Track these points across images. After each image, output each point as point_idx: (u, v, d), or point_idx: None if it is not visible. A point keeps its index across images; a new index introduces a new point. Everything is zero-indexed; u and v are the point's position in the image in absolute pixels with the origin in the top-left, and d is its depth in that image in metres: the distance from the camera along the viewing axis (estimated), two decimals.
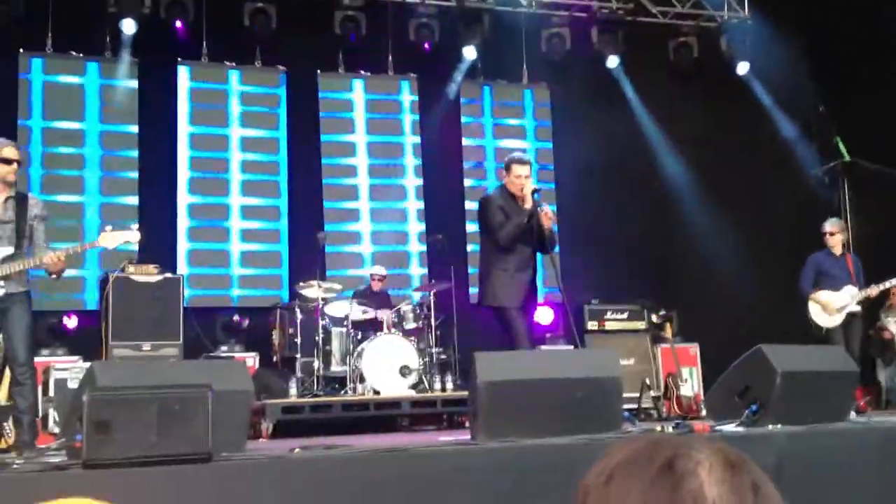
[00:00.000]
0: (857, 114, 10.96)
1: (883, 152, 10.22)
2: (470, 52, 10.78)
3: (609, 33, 11.11)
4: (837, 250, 8.41)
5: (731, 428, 5.02)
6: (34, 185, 9.33)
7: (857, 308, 8.26)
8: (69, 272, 9.07)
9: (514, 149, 11.26)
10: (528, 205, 6.24)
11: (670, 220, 11.28)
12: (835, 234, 8.43)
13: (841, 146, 9.48)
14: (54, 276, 5.80)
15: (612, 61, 11.16)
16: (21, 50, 9.72)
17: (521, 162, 6.35)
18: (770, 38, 10.93)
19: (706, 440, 1.28)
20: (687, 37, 11.38)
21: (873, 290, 8.28)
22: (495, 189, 6.61)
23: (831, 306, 8.15)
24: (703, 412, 8.31)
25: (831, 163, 10.10)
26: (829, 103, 11.21)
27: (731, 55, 11.36)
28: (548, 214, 6.32)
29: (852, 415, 5.88)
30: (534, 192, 6.24)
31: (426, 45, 10.73)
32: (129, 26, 9.57)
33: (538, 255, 6.60)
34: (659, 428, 5.69)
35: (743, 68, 11.36)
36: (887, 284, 8.29)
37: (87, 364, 7.57)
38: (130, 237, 5.93)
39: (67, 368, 7.82)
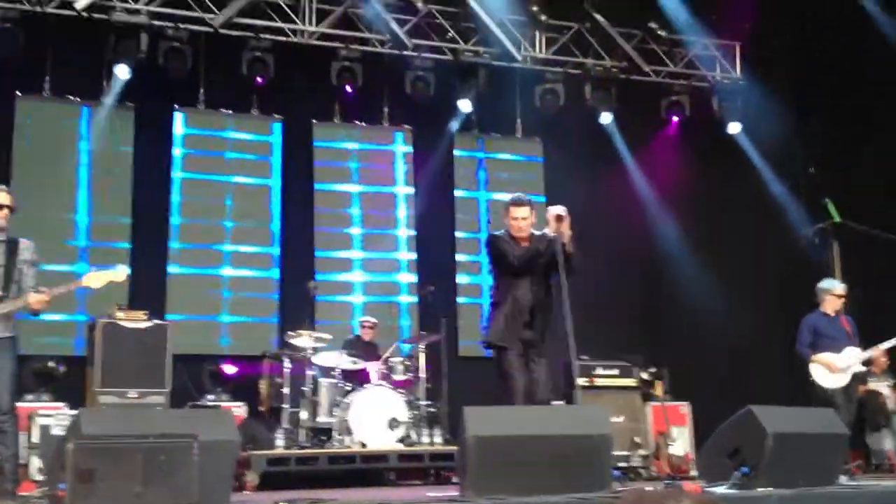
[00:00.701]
0: (846, 175, 11.08)
1: (872, 213, 10.31)
2: (465, 105, 10.88)
3: (603, 90, 11.24)
4: (832, 311, 8.31)
5: (722, 490, 4.98)
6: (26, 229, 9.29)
7: (862, 368, 8.19)
8: (57, 317, 9.11)
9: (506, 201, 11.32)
10: (552, 230, 5.98)
11: (661, 276, 11.31)
12: (842, 296, 8.34)
13: (830, 207, 9.55)
14: (33, 313, 5.77)
15: (606, 118, 11.27)
16: (18, 93, 9.75)
17: (518, 203, 6.20)
18: (761, 99, 11.08)
19: (689, 494, 1.27)
20: (679, 95, 11.52)
21: (877, 350, 8.25)
22: (502, 231, 6.42)
23: (835, 366, 8.05)
24: (694, 472, 8.24)
25: (821, 223, 10.17)
26: (819, 164, 11.35)
27: (723, 115, 11.50)
28: (563, 224, 5.99)
29: (842, 478, 5.85)
30: (558, 216, 5.97)
31: (422, 98, 10.83)
32: (122, 71, 9.63)
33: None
34: (650, 487, 5.64)
35: (734, 128, 11.49)
36: (893, 342, 8.21)
37: (72, 411, 7.52)
38: (116, 277, 5.89)
39: (52, 415, 7.72)
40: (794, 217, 11.43)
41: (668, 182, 11.47)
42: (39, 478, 7.06)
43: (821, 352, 8.11)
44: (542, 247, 6.08)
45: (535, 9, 10.74)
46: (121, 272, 5.92)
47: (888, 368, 10.06)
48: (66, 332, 9.38)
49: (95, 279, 5.80)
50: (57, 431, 7.32)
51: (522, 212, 6.17)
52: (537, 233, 6.16)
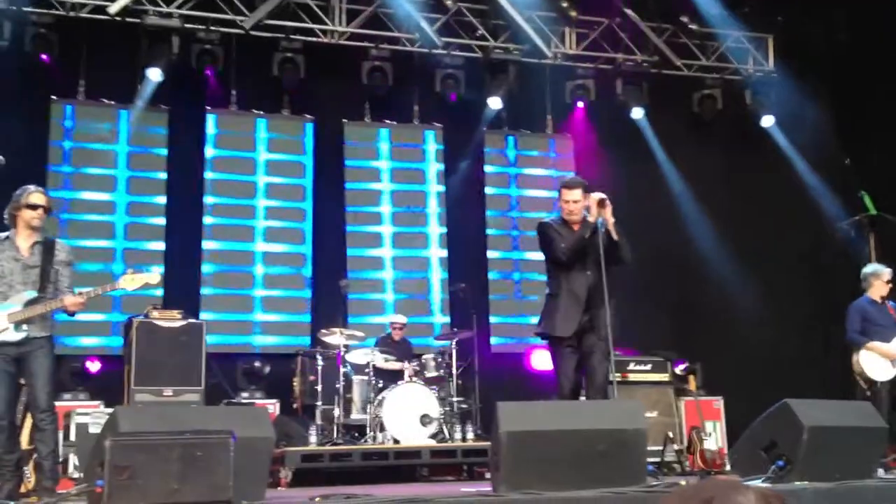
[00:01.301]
0: (882, 167, 10.93)
1: None
2: (495, 103, 10.88)
3: (633, 85, 11.19)
4: (879, 298, 7.97)
5: (756, 484, 4.94)
6: (62, 229, 9.44)
7: None
8: (94, 317, 9.24)
9: (537, 198, 11.33)
10: (592, 217, 5.96)
11: (694, 271, 11.23)
12: (890, 282, 7.98)
13: (867, 200, 9.45)
14: (69, 314, 5.86)
15: (637, 112, 11.22)
16: (53, 97, 9.89)
17: (569, 186, 6.15)
18: (795, 91, 10.96)
19: (747, 487, 1.28)
20: (711, 89, 11.43)
21: None
22: (553, 217, 6.39)
23: (890, 355, 7.73)
24: (728, 467, 8.18)
25: (857, 216, 10.06)
26: (855, 156, 11.21)
27: (756, 108, 11.40)
28: (606, 210, 5.94)
29: (879, 472, 5.78)
30: (600, 202, 5.93)
31: (452, 96, 10.84)
32: (154, 74, 9.73)
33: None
34: (684, 482, 5.61)
35: (767, 121, 11.39)
36: None
37: (109, 409, 7.61)
38: (150, 280, 5.96)
39: (89, 413, 7.83)
40: (829, 210, 11.31)
41: (700, 176, 11.38)
42: (77, 475, 7.16)
43: (871, 340, 7.78)
44: (588, 234, 5.98)
45: (564, 5, 10.71)
46: (155, 274, 5.99)
47: None
48: (103, 331, 9.51)
49: (130, 282, 5.87)
50: (94, 429, 7.41)
51: (574, 194, 6.09)
52: (590, 218, 6.01)
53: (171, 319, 8.30)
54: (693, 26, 10.99)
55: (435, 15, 10.48)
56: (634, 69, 11.22)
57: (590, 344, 6.01)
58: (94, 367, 8.99)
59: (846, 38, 10.96)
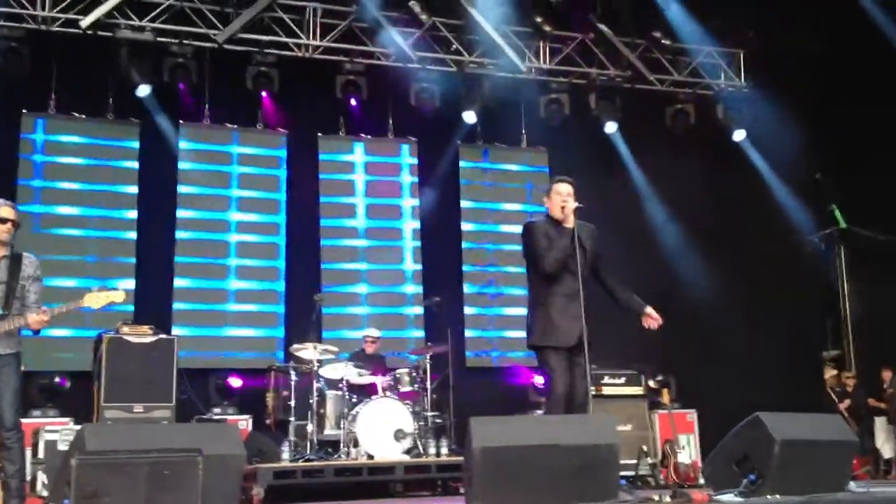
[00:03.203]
0: (852, 181, 11.06)
1: (878, 219, 10.29)
2: (470, 117, 10.91)
3: (607, 100, 11.25)
4: None
5: (729, 498, 4.95)
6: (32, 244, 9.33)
7: None
8: (64, 332, 9.13)
9: (512, 212, 11.35)
10: (570, 223, 5.84)
11: (667, 284, 11.25)
12: None
13: (837, 214, 9.55)
14: (32, 332, 5.79)
15: (611, 127, 11.27)
16: (24, 111, 9.80)
17: (564, 181, 6.02)
18: (767, 105, 11.05)
19: None
20: (684, 104, 11.51)
21: None
22: (539, 217, 6.24)
23: None
24: (701, 480, 8.20)
25: (827, 229, 10.16)
26: (825, 170, 11.33)
27: (728, 122, 11.49)
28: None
29: (851, 485, 5.80)
30: (576, 210, 5.82)
31: (426, 109, 10.84)
32: (143, 90, 9.73)
33: None
34: (657, 497, 5.61)
35: (739, 135, 11.48)
36: None
37: (78, 426, 7.51)
38: (115, 298, 5.90)
39: (58, 430, 7.74)
40: (800, 223, 11.41)
41: (673, 190, 11.45)
42: (45, 494, 7.07)
43: None
44: (569, 242, 5.82)
45: (538, 20, 10.75)
46: (119, 293, 5.94)
47: None
48: (73, 347, 9.38)
49: (95, 300, 5.81)
50: (63, 447, 7.33)
51: (568, 188, 5.94)
52: (568, 225, 5.87)
53: (142, 335, 8.23)
54: (666, 41, 11.06)
55: (410, 29, 10.49)
56: (608, 84, 11.28)
57: (574, 358, 5.81)
58: (63, 384, 8.87)
59: (817, 53, 11.07)
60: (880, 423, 10.93)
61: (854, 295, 11.25)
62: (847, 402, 11.03)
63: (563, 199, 5.90)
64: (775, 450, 5.12)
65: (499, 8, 10.32)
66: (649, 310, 5.93)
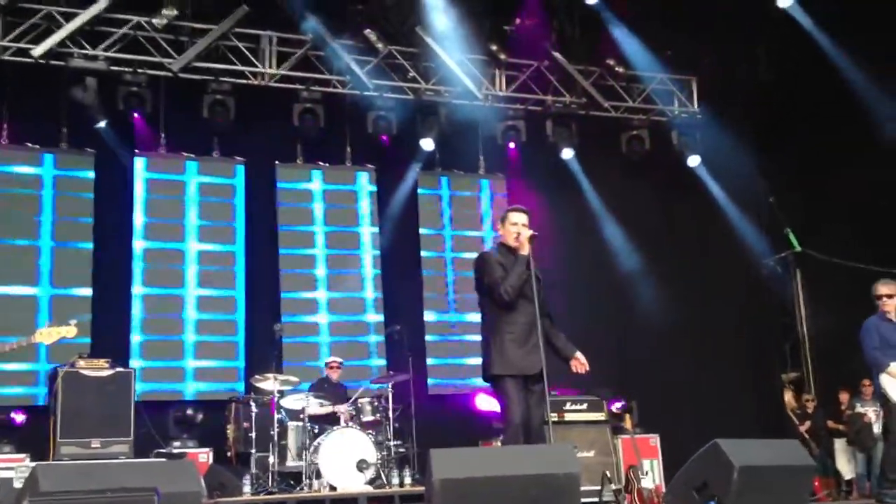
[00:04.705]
0: (806, 205, 11.23)
1: (833, 242, 10.46)
2: (427, 144, 10.95)
3: (563, 126, 11.34)
4: (894, 315, 7.46)
5: None
6: None
7: None
8: (19, 366, 8.97)
9: (472, 237, 11.39)
10: (525, 251, 5.82)
11: (627, 309, 11.35)
12: (893, 296, 7.46)
13: (791, 237, 9.68)
14: None
15: (567, 153, 11.37)
16: None
17: (518, 210, 6.03)
18: (719, 131, 11.22)
19: None
20: (639, 130, 11.64)
21: None
22: (492, 247, 6.27)
23: None
24: None
25: (782, 253, 10.31)
26: (779, 194, 11.50)
27: (682, 148, 11.64)
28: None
29: None
30: (531, 238, 5.81)
31: (384, 137, 10.87)
32: (99, 122, 9.68)
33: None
34: None
35: (694, 161, 11.62)
36: None
37: (34, 463, 7.36)
38: (67, 334, 5.86)
39: (13, 468, 7.58)
40: (756, 247, 11.56)
41: (630, 215, 11.55)
42: None
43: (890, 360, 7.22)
44: (523, 268, 5.81)
45: (494, 48, 10.84)
46: (71, 328, 5.90)
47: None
48: (29, 381, 9.23)
49: (47, 336, 5.77)
50: (18, 484, 7.17)
51: (523, 218, 5.94)
52: (523, 252, 5.85)
53: (98, 368, 8.12)
54: (619, 69, 11.19)
55: (366, 58, 10.51)
56: (563, 111, 11.38)
57: (529, 386, 5.87)
58: (19, 419, 8.70)
59: (768, 79, 11.28)
60: (840, 444, 11.03)
61: (811, 317, 11.39)
62: (807, 423, 11.15)
63: (518, 228, 5.91)
64: (734, 476, 5.16)
65: (455, 36, 10.39)
66: (579, 355, 5.95)
